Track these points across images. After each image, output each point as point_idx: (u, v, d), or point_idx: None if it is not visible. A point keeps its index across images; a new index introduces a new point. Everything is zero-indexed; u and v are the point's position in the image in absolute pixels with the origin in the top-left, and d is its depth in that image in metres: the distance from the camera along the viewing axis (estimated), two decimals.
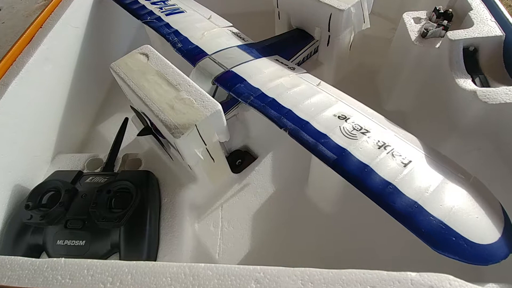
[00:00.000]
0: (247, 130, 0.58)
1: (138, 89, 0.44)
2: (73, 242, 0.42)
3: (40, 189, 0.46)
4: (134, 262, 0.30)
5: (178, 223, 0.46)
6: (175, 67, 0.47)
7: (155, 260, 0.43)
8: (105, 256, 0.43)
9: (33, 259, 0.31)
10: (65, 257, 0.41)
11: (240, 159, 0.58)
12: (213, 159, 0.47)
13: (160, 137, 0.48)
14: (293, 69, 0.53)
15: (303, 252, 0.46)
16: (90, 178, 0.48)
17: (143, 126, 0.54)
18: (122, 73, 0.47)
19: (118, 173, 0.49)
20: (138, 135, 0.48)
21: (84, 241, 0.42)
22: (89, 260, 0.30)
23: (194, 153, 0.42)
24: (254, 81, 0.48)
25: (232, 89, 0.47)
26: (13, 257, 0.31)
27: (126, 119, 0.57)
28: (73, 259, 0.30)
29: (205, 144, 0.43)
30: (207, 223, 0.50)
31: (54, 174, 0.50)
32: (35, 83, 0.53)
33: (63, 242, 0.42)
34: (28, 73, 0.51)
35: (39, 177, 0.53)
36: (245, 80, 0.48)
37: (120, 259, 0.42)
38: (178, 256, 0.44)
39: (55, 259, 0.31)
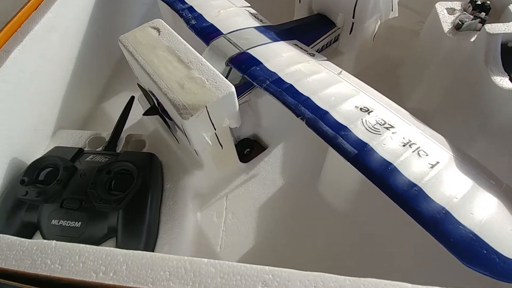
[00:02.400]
0: (258, 118, 0.55)
1: (147, 64, 0.41)
2: (68, 223, 0.40)
3: (37, 165, 0.43)
4: (131, 251, 0.27)
5: (180, 210, 0.43)
6: (187, 44, 0.44)
7: (153, 249, 0.40)
8: (101, 240, 0.41)
9: (22, 239, 0.28)
10: (59, 238, 0.39)
11: (248, 148, 0.55)
12: (221, 145, 0.44)
13: (166, 118, 0.45)
14: (312, 55, 0.49)
15: (311, 252, 0.43)
16: (91, 156, 0.46)
17: (148, 106, 0.51)
18: (131, 47, 0.44)
19: (118, 153, 0.46)
20: (143, 114, 0.45)
21: (80, 223, 0.40)
22: (81, 245, 0.28)
23: (202, 137, 0.39)
24: (271, 65, 0.44)
25: (247, 72, 0.43)
26: (1, 235, 0.29)
27: (132, 98, 0.54)
28: (64, 243, 0.28)
29: (215, 129, 0.40)
30: (210, 213, 0.47)
31: (54, 150, 0.47)
32: (39, 53, 0.50)
33: (58, 222, 0.40)
34: (32, 41, 0.48)
35: (38, 152, 0.50)
36: (262, 63, 0.45)
37: (116, 245, 0.39)
38: (178, 246, 0.41)
39: (45, 241, 0.28)
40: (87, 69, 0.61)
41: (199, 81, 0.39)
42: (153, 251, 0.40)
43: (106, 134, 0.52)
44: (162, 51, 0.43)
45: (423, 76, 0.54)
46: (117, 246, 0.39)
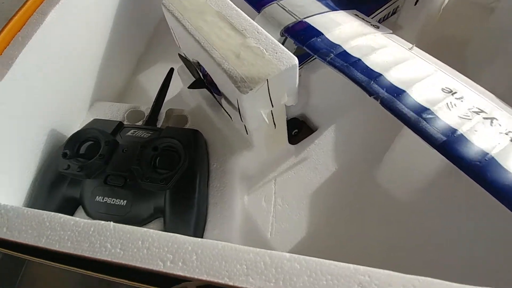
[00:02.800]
0: (308, 96, 0.50)
1: (196, 31, 0.37)
2: (113, 201, 0.37)
3: (77, 138, 0.41)
4: (199, 240, 0.24)
5: (229, 193, 0.40)
6: (239, 10, 0.39)
7: (202, 233, 0.38)
8: (146, 221, 0.38)
9: (77, 219, 0.26)
10: (104, 216, 0.37)
11: (296, 129, 0.51)
12: (275, 124, 0.40)
13: (214, 93, 0.41)
14: (377, 27, 0.44)
15: (369, 245, 0.40)
16: (132, 131, 0.43)
17: (191, 78, 0.47)
18: (177, 12, 0.40)
19: (162, 129, 0.43)
20: (188, 87, 0.41)
21: (125, 201, 0.37)
22: (143, 229, 0.25)
23: (258, 114, 0.35)
24: (333, 36, 0.39)
25: (307, 43, 0.38)
26: (52, 213, 0.26)
27: (172, 70, 0.50)
28: (123, 226, 0.25)
29: (272, 106, 0.36)
30: (258, 197, 0.44)
31: (93, 123, 0.44)
32: (76, 16, 0.46)
33: (103, 199, 0.37)
34: (69, 3, 0.44)
35: (76, 124, 0.47)
36: (322, 34, 0.40)
37: (164, 227, 0.37)
38: (228, 230, 0.38)
39: (102, 222, 0.25)
40: (123, 38, 0.57)
41: (257, 51, 0.34)
42: (202, 235, 0.38)
43: (145, 108, 0.49)
44: (211, 17, 0.39)
45: (496, 57, 0.48)
46: (166, 229, 0.37)
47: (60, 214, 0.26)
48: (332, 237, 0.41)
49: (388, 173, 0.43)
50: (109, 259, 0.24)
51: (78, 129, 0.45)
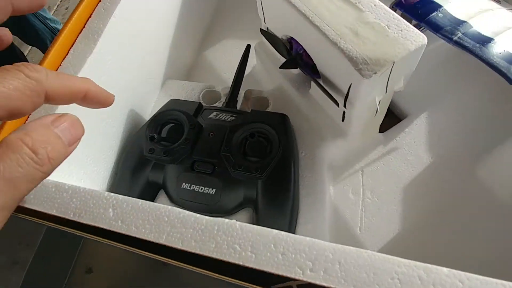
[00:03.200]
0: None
1: (302, 3, 0.33)
2: (201, 189, 0.35)
3: (159, 120, 0.39)
4: (340, 246, 0.21)
5: (320, 184, 0.37)
6: None
7: (295, 227, 0.35)
8: (235, 210, 0.36)
9: (197, 215, 0.23)
10: (191, 204, 0.35)
11: None
12: (377, 111, 0.36)
13: (307, 73, 0.37)
14: (498, 1, 0.38)
15: (468, 249, 0.36)
16: (214, 113, 0.40)
17: (271, 57, 0.43)
18: None
19: (247, 112, 0.40)
20: (280, 67, 0.37)
21: (214, 190, 0.35)
22: (274, 231, 0.22)
23: (371, 101, 0.32)
24: (455, 10, 0.34)
25: (426, 19, 0.34)
26: (170, 208, 0.24)
27: (249, 46, 0.46)
28: (252, 226, 0.23)
29: (386, 92, 0.32)
30: (345, 189, 0.41)
31: (171, 104, 0.42)
32: None
33: (190, 187, 0.36)
34: None
35: (150, 105, 0.45)
36: (442, 7, 0.35)
37: (256, 219, 0.35)
38: (321, 225, 0.36)
39: (227, 221, 0.23)
40: (191, 11, 0.53)
41: (377, 27, 0.30)
42: (295, 230, 0.35)
43: (221, 88, 0.46)
44: None
45: None
46: (258, 220, 0.35)
47: (178, 209, 0.24)
48: (428, 238, 0.38)
49: (496, 170, 0.39)
50: (239, 262, 0.21)
51: (152, 109, 0.43)
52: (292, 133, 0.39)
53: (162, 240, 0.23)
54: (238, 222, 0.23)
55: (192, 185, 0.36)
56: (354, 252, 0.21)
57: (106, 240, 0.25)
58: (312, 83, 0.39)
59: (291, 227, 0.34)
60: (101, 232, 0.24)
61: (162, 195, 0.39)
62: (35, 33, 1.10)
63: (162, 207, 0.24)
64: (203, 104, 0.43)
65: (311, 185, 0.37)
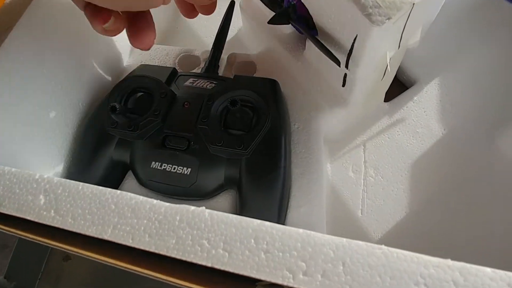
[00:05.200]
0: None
1: None
2: (174, 168, 0.29)
3: (125, 87, 0.32)
4: (344, 241, 0.16)
5: (316, 161, 0.32)
6: None
7: (286, 212, 0.30)
8: (214, 193, 0.31)
9: (155, 201, 0.18)
10: (163, 186, 0.30)
11: None
12: (384, 73, 0.30)
13: (302, 30, 0.31)
14: None
15: (490, 234, 0.31)
16: (190, 80, 0.34)
17: (258, 14, 0.37)
18: None
19: (227, 78, 0.34)
20: (269, 22, 0.31)
21: (189, 169, 0.29)
22: (255, 221, 0.17)
23: (380, 57, 0.26)
24: None
25: None
26: (119, 192, 0.18)
27: (233, 3, 0.39)
28: (225, 215, 0.17)
29: (399, 46, 0.26)
30: (344, 166, 0.35)
31: (140, 69, 0.35)
32: None
33: (161, 166, 0.30)
34: None
35: (117, 70, 0.38)
36: None
37: (240, 205, 0.29)
38: (316, 208, 0.30)
39: (193, 208, 0.17)
40: None
41: None
42: (285, 215, 0.30)
43: (201, 52, 0.39)
44: None
45: None
46: (241, 205, 0.29)
47: (129, 194, 0.18)
48: (441, 222, 0.33)
49: None
50: (209, 263, 0.16)
51: (120, 78, 0.36)
52: (282, 101, 0.32)
53: (107, 235, 0.17)
54: (207, 210, 0.17)
55: (164, 164, 0.30)
56: (364, 248, 0.15)
57: (37, 237, 0.20)
58: (307, 42, 0.33)
59: (281, 212, 0.29)
60: (28, 226, 0.19)
61: (130, 178, 0.33)
62: None
63: (109, 191, 0.18)
64: (179, 70, 0.36)
65: (305, 162, 0.31)
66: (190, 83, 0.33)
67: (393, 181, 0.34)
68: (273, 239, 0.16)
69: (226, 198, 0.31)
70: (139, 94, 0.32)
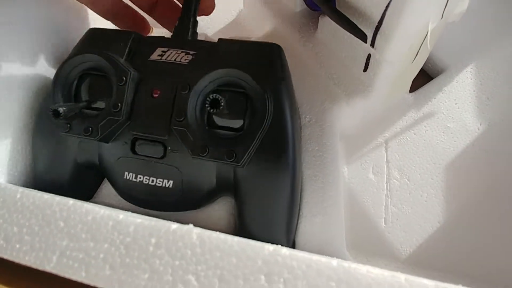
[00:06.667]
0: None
1: None
2: (152, 181, 0.23)
3: (68, 75, 0.24)
4: (404, 279, 0.10)
5: (332, 161, 0.26)
6: None
7: (297, 223, 0.25)
8: (208, 201, 0.25)
9: (120, 215, 0.12)
10: (143, 202, 0.24)
11: None
12: (417, 53, 0.25)
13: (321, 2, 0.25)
14: None
15: None
16: (159, 51, 0.25)
17: None
18: None
19: (208, 44, 0.25)
20: None
21: (171, 182, 0.23)
22: (268, 248, 0.11)
23: (420, 29, 0.20)
24: None
25: None
26: (73, 202, 0.13)
27: None
28: (218, 236, 0.12)
29: (442, 16, 0.21)
30: (364, 167, 0.30)
31: (90, 37, 0.26)
32: None
33: (136, 178, 0.23)
34: None
35: (67, 39, 0.31)
36: None
37: (239, 214, 0.24)
38: (334, 218, 0.25)
39: (175, 226, 0.12)
40: None
41: None
42: (297, 226, 0.25)
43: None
44: None
45: None
46: (240, 216, 0.23)
47: (87, 206, 0.13)
48: (480, 233, 0.27)
49: None
50: None
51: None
52: (288, 80, 0.24)
53: (50, 266, 0.12)
54: (196, 229, 0.12)
55: (139, 176, 0.23)
56: (379, 276, 0.10)
57: None
58: (321, 20, 0.28)
59: (290, 224, 0.23)
60: None
61: (108, 184, 0.27)
62: None
63: (57, 202, 0.13)
64: (144, 36, 0.27)
65: (319, 162, 0.26)
66: (159, 55, 0.24)
67: (421, 184, 0.29)
68: (294, 275, 0.11)
69: (224, 203, 0.25)
70: (92, 76, 0.24)
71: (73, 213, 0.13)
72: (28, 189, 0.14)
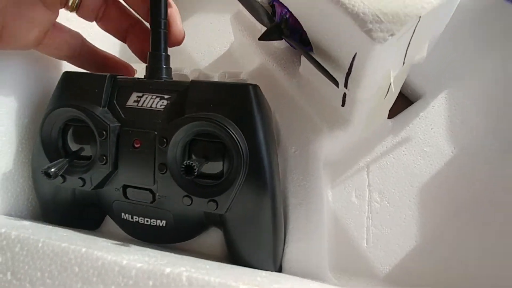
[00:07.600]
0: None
1: None
2: (147, 221, 0.26)
3: (52, 128, 0.25)
4: None
5: (315, 189, 0.29)
6: None
7: (283, 248, 0.27)
8: (199, 233, 0.28)
9: (124, 261, 0.15)
10: (141, 234, 0.27)
11: None
12: (387, 92, 0.28)
13: (297, 44, 0.28)
14: None
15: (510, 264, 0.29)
16: (135, 97, 0.25)
17: (247, 28, 0.35)
18: None
19: (181, 85, 0.25)
20: (260, 39, 0.28)
21: (164, 221, 0.26)
22: None
23: (384, 76, 0.23)
24: None
25: None
26: (85, 251, 0.16)
27: None
28: (208, 279, 0.14)
29: (403, 63, 0.23)
30: (347, 191, 0.33)
31: (65, 83, 0.26)
32: None
33: (132, 218, 0.26)
34: None
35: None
36: None
37: (227, 243, 0.26)
38: (317, 242, 0.28)
39: (168, 270, 0.15)
40: None
41: None
42: (283, 251, 0.27)
43: (190, 71, 0.36)
44: None
45: None
46: (229, 245, 0.26)
47: (97, 254, 0.15)
48: (454, 251, 0.30)
49: None
50: None
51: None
52: (266, 122, 0.24)
53: None
54: (186, 273, 0.15)
55: (134, 217, 0.26)
56: None
57: None
58: (303, 58, 0.30)
59: (276, 249, 0.26)
60: None
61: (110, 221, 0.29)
62: None
63: (72, 250, 0.16)
64: (118, 77, 0.26)
65: (303, 191, 0.29)
66: (135, 101, 0.25)
67: (400, 206, 0.32)
68: None
69: (214, 232, 0.28)
70: (74, 126, 0.26)
71: (86, 259, 0.16)
72: (48, 238, 0.16)
